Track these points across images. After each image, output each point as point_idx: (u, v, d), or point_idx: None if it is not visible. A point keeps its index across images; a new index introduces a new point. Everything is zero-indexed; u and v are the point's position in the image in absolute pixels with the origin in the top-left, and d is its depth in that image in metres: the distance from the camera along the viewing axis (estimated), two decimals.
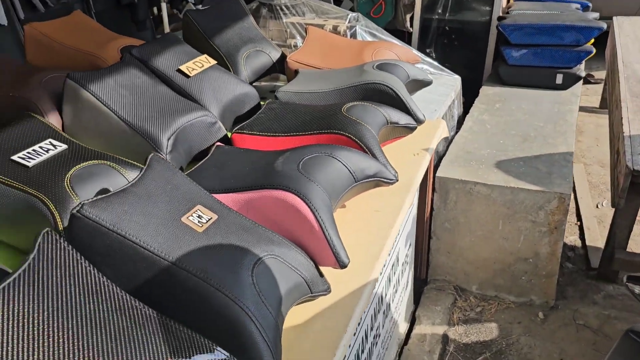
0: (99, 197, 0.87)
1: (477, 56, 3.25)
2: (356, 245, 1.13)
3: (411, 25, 3.17)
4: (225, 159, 1.19)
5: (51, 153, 1.13)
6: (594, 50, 2.71)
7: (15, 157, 1.10)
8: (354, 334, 1.23)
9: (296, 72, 1.74)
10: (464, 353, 1.87)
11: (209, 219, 0.91)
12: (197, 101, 1.52)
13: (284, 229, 0.99)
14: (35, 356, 0.63)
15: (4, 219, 1.08)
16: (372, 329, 1.48)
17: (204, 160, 1.21)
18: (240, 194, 1.04)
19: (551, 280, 2.06)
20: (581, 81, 2.80)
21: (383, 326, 1.64)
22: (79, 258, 0.78)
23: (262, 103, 1.69)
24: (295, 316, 0.97)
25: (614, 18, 3.52)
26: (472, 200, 2.01)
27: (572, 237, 2.51)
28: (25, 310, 0.67)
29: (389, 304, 1.66)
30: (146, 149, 1.30)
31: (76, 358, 0.65)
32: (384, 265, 1.28)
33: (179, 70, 1.58)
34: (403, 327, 1.87)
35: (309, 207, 0.97)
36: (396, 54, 1.90)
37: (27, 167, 1.09)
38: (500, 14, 3.05)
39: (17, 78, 1.47)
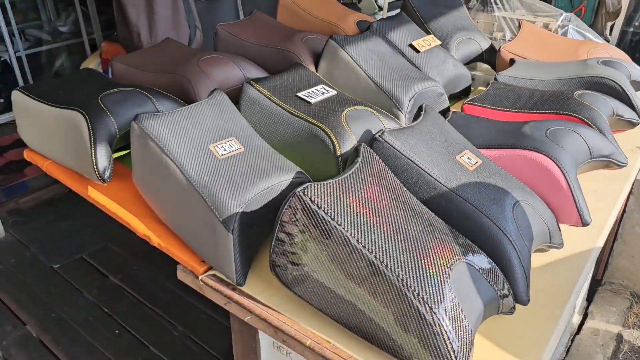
0: (395, 128, 1.08)
1: None
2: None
3: (610, 34, 3.08)
4: (465, 123, 1.33)
5: (325, 95, 1.36)
6: None
7: (300, 94, 1.35)
8: (581, 288, 1.27)
9: (511, 61, 1.84)
10: (639, 355, 1.85)
11: (476, 162, 1.07)
12: (424, 73, 1.69)
13: (529, 185, 1.12)
14: (376, 222, 0.84)
15: (286, 141, 1.31)
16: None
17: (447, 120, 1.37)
18: (489, 150, 1.18)
19: None
20: None
21: None
22: (385, 166, 0.99)
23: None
24: (535, 261, 1.06)
25: None
26: None
27: None
28: (363, 192, 0.89)
29: None
30: (387, 106, 1.49)
31: (402, 230, 0.85)
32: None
33: (411, 45, 1.76)
34: (576, 319, 1.90)
35: (559, 168, 1.09)
36: (609, 54, 1.91)
37: (310, 103, 1.33)
38: None
39: (281, 33, 1.75)
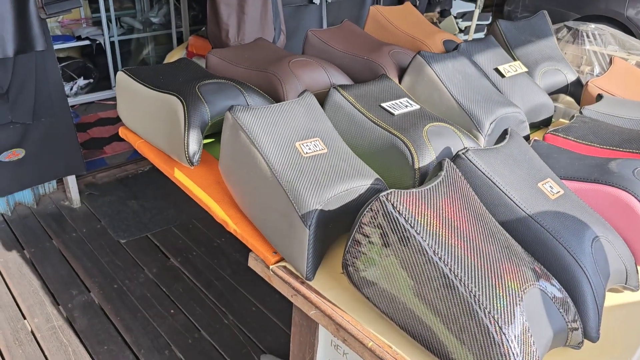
0: (479, 148, 1.08)
1: None
2: None
3: None
4: (547, 152, 1.31)
5: (409, 109, 1.38)
6: None
7: (384, 105, 1.39)
8: None
9: (599, 96, 1.79)
10: None
11: (558, 192, 1.06)
12: (508, 98, 1.68)
13: (611, 222, 1.10)
14: (450, 233, 0.85)
15: (366, 147, 1.34)
16: None
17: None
18: (572, 182, 1.16)
19: None
20: None
21: None
22: (466, 183, 1.00)
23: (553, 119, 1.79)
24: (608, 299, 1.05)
25: None
26: None
27: None
28: (443, 205, 0.90)
29: None
30: (467, 126, 1.50)
31: (478, 248, 0.86)
32: None
33: (496, 70, 1.76)
34: None
35: None
36: None
37: (393, 114, 1.35)
38: None
39: (368, 45, 1.79)
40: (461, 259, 0.83)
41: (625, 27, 4.40)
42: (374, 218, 0.89)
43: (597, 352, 0.94)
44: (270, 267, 1.10)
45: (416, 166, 1.22)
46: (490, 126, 1.49)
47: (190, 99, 1.27)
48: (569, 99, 2.21)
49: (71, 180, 2.93)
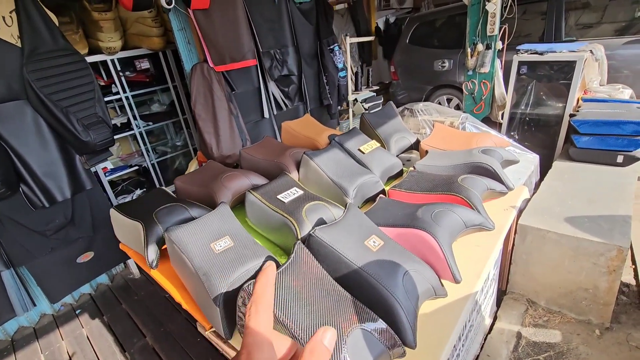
0: (324, 225, 1.02)
1: (549, 139, 2.85)
2: (464, 267, 1.09)
3: (502, 118, 2.93)
4: (386, 206, 1.26)
5: (295, 195, 1.33)
6: None
7: (279, 196, 1.33)
8: (463, 323, 1.18)
9: (426, 151, 1.75)
10: (533, 348, 1.63)
11: (379, 244, 0.99)
12: (368, 168, 1.63)
13: (420, 254, 1.02)
14: (296, 303, 0.77)
15: (271, 228, 1.29)
16: (469, 320, 1.40)
17: (374, 205, 1.30)
18: (395, 229, 1.10)
19: (608, 307, 1.70)
20: (639, 161, 2.27)
21: (475, 319, 1.53)
22: (313, 258, 0.93)
23: (404, 169, 1.74)
24: (427, 310, 0.99)
25: None
26: (544, 242, 1.77)
27: (628, 277, 2.03)
28: (291, 282, 0.83)
29: (481, 306, 1.55)
30: (339, 194, 1.44)
31: (314, 308, 0.78)
32: (484, 281, 1.21)
33: (360, 150, 1.71)
34: (487, 322, 1.71)
35: (438, 243, 0.99)
36: (493, 141, 1.80)
37: (284, 202, 1.29)
38: (572, 112, 2.64)
39: (277, 151, 1.74)
40: (301, 319, 0.75)
41: (459, 88, 4.44)
42: (244, 300, 0.81)
43: (418, 352, 0.85)
44: (207, 332, 1.01)
45: (299, 236, 1.16)
46: (354, 192, 1.43)
47: (148, 223, 1.20)
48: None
49: (131, 261, 2.81)
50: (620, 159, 2.25)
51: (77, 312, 2.50)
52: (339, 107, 4.30)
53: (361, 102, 5.04)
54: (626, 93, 2.86)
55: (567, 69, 2.62)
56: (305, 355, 0.37)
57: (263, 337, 0.38)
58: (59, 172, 2.12)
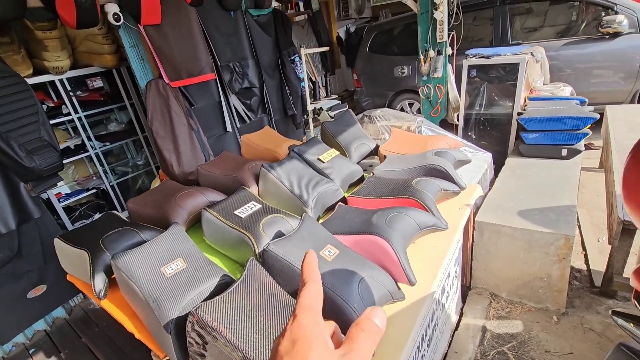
0: (278, 239, 1.00)
1: (503, 137, 2.99)
2: (421, 269, 1.11)
3: (457, 119, 3.05)
4: (344, 214, 1.26)
5: (253, 210, 1.30)
6: (590, 133, 2.38)
7: (236, 212, 1.29)
8: (421, 324, 1.19)
9: (385, 157, 1.78)
10: (497, 340, 1.67)
11: (335, 253, 0.99)
12: (328, 177, 1.62)
13: (376, 259, 1.03)
14: (248, 323, 0.74)
15: (229, 245, 1.25)
16: (432, 320, 1.41)
17: (332, 213, 1.29)
18: (351, 236, 1.10)
19: (562, 294, 1.78)
20: (582, 153, 2.42)
21: (440, 318, 1.55)
22: (266, 274, 0.90)
23: (365, 175, 1.76)
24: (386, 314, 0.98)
25: (607, 107, 3.04)
26: (500, 237, 1.83)
27: (579, 262, 2.14)
28: (241, 302, 0.80)
29: (444, 304, 1.57)
30: (299, 205, 1.43)
31: (266, 325, 0.75)
32: (440, 280, 1.23)
33: (319, 159, 1.71)
34: (454, 319, 1.74)
35: (392, 247, 1.00)
36: (447, 143, 1.86)
37: (242, 217, 1.26)
38: (519, 110, 2.80)
39: (236, 165, 1.71)
40: (252, 342, 0.72)
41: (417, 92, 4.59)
42: (193, 326, 0.77)
43: (378, 354, 0.84)
44: None
45: (257, 251, 1.12)
46: (313, 201, 1.42)
47: (95, 250, 1.13)
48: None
49: None
50: (564, 152, 2.39)
51: (30, 351, 2.30)
52: (304, 117, 4.31)
53: (326, 111, 5.09)
54: (567, 90, 3.07)
55: (511, 70, 2.78)
56: (355, 335, 0.33)
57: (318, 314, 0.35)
58: (0, 203, 1.97)
